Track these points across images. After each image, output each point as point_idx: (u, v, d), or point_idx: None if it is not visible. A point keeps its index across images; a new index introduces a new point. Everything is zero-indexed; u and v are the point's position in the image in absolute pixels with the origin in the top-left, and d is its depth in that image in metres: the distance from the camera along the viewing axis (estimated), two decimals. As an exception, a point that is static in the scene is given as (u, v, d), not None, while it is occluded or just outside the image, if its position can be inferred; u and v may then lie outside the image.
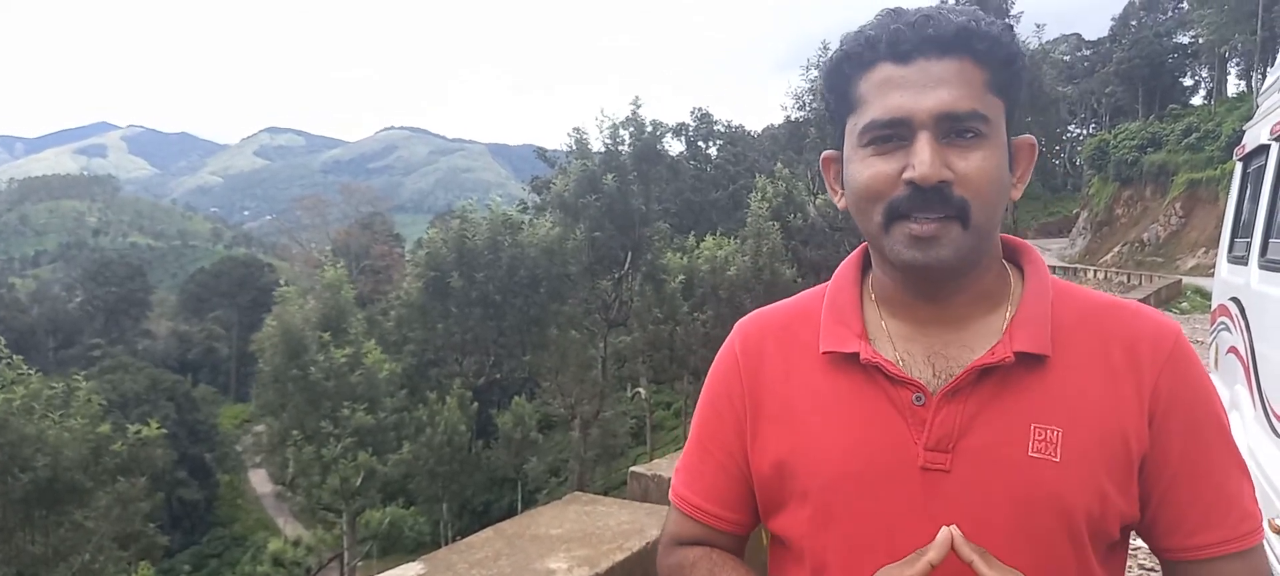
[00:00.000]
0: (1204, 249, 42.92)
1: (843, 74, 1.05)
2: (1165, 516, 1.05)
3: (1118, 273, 40.72)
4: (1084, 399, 1.02)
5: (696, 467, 1.22)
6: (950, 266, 1.01)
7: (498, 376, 31.67)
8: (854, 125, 1.04)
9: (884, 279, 1.11)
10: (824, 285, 1.21)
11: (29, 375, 18.20)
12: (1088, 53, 78.43)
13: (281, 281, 36.46)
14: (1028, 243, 1.16)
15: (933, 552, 0.94)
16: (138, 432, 19.88)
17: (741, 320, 1.26)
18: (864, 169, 1.02)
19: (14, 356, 18.46)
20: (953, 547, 0.94)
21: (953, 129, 0.98)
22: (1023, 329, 1.04)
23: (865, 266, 1.18)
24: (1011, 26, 1.02)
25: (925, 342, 1.08)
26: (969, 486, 1.01)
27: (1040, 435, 1.01)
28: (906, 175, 0.98)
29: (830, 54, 1.08)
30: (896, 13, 1.02)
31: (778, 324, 1.20)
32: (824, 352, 1.11)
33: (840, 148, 1.09)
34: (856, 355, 1.08)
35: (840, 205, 1.12)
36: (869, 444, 1.05)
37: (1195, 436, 1.04)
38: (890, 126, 0.99)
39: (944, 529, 0.95)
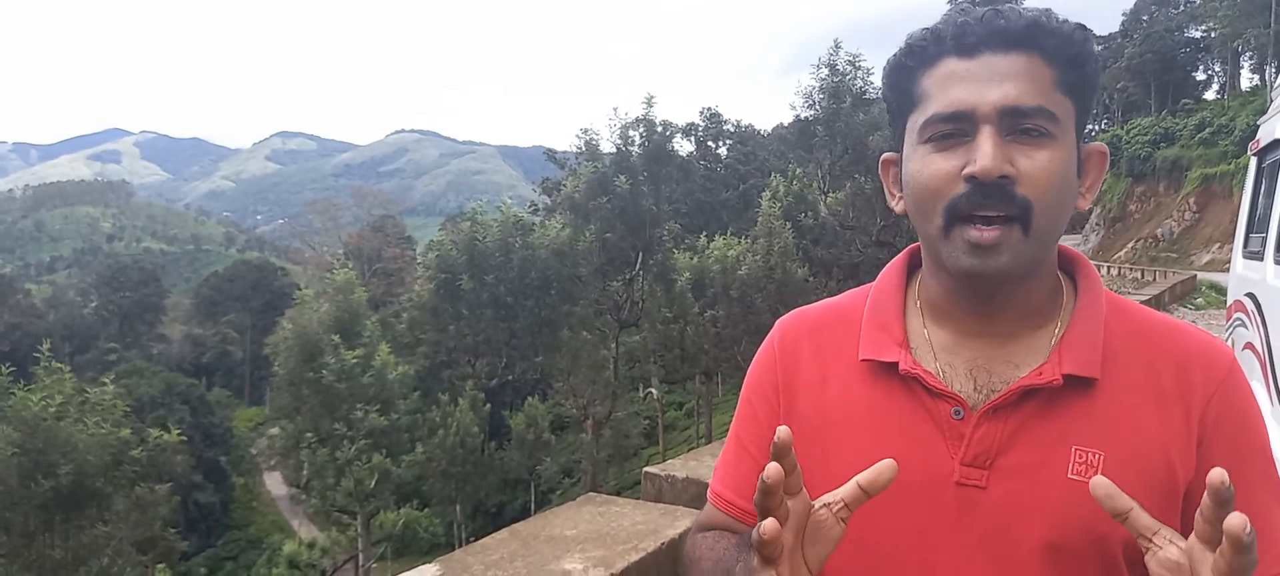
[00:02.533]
0: (1219, 244, 42.70)
1: (906, 69, 1.02)
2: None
3: (1132, 268, 40.48)
4: (1130, 423, 0.99)
5: (732, 463, 1.19)
6: (1009, 275, 0.97)
7: (510, 378, 31.72)
8: (915, 122, 1.00)
9: (932, 285, 1.08)
10: (867, 286, 1.17)
11: (65, 375, 18.30)
12: (1099, 48, 77.93)
13: (299, 285, 36.64)
14: (1083, 255, 1.12)
15: (866, 476, 0.87)
16: (157, 438, 19.98)
17: (783, 318, 1.22)
18: (924, 166, 0.98)
19: (53, 360, 18.54)
20: (1097, 496, 0.83)
21: (1017, 126, 0.94)
22: (1072, 350, 1.00)
23: (910, 270, 1.15)
24: (1085, 26, 0.98)
25: (968, 354, 1.04)
26: (1004, 505, 0.97)
27: (1081, 457, 0.97)
28: (967, 170, 0.94)
29: (894, 51, 1.05)
30: (964, 8, 0.99)
31: (817, 325, 1.17)
32: (862, 360, 1.08)
33: (900, 150, 1.06)
34: (896, 365, 1.05)
35: (898, 209, 1.08)
36: (904, 456, 0.99)
37: (1237, 465, 0.94)
38: (952, 120, 0.96)
39: (888, 461, 0.87)
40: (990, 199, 0.94)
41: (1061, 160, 0.96)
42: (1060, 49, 0.96)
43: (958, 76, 0.96)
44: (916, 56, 1.01)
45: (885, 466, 0.87)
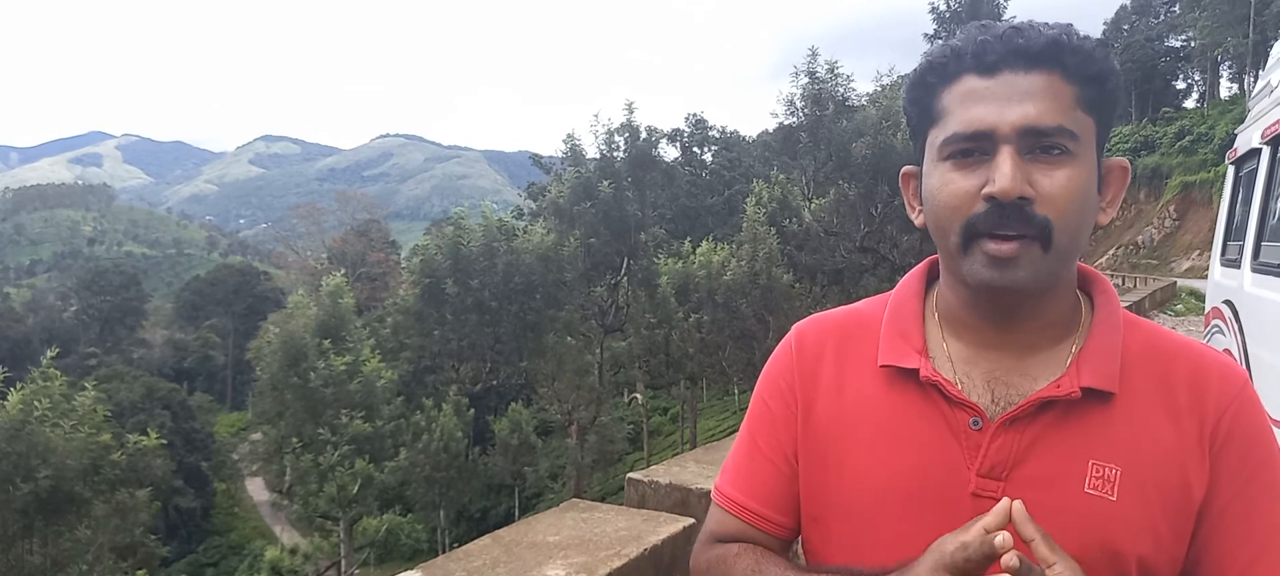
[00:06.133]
0: (1198, 251, 43.08)
1: (926, 85, 1.02)
2: (1205, 563, 1.00)
3: (1113, 275, 40.76)
4: (1146, 438, 0.99)
5: (745, 466, 1.18)
6: (1027, 290, 0.97)
7: (494, 383, 31.60)
8: (934, 138, 1.00)
9: (950, 297, 1.08)
10: (885, 295, 1.17)
11: (55, 381, 18.06)
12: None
13: (284, 290, 36.44)
14: (1101, 273, 1.12)
15: (990, 518, 0.88)
16: (137, 443, 19.78)
17: (800, 322, 1.21)
18: (943, 184, 0.99)
19: (52, 368, 18.30)
20: (1012, 521, 0.88)
21: (1037, 145, 0.94)
22: (1091, 363, 1.01)
23: (929, 281, 1.15)
24: (1106, 43, 0.98)
25: (986, 366, 1.04)
26: None
27: (1098, 472, 0.98)
28: (986, 190, 0.94)
29: (914, 67, 1.05)
30: (985, 26, 0.99)
31: (836, 330, 1.17)
32: (882, 366, 1.08)
33: (920, 163, 1.06)
34: (916, 372, 1.05)
35: (918, 222, 1.08)
36: (920, 465, 1.03)
37: (1248, 484, 0.99)
38: (972, 139, 0.96)
39: (1004, 499, 0.89)
40: (1009, 219, 0.94)
41: (1081, 178, 0.96)
42: (1081, 67, 0.96)
43: (978, 95, 0.96)
44: (937, 73, 1.01)
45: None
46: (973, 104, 0.96)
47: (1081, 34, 0.97)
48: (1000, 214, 0.94)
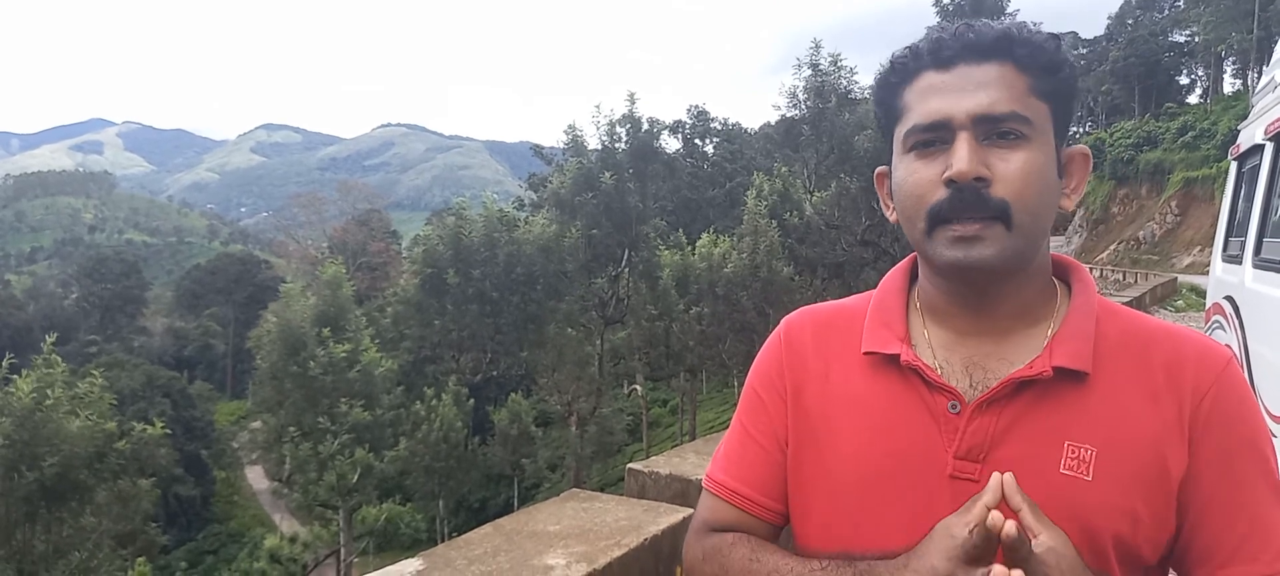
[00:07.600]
0: (1199, 247, 43.02)
1: (889, 85, 1.08)
2: (1196, 545, 1.02)
3: (1113, 270, 40.78)
4: (1123, 419, 1.01)
5: (737, 453, 1.21)
6: (993, 267, 1.00)
7: (494, 373, 31.67)
8: (899, 133, 1.06)
9: (929, 288, 1.12)
10: (871, 291, 1.22)
11: (56, 368, 18.03)
12: (1084, 51, 78.20)
13: (283, 279, 36.42)
14: (1078, 262, 1.16)
15: (987, 495, 0.92)
16: (143, 432, 19.83)
17: (789, 315, 1.26)
18: (908, 174, 1.04)
19: (54, 354, 18.26)
20: (1004, 495, 0.92)
21: (993, 131, 0.99)
22: (1064, 345, 1.03)
23: (913, 276, 1.19)
24: (1057, 36, 1.04)
25: (965, 352, 1.08)
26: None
27: (1073, 453, 1.00)
28: (945, 174, 0.99)
29: (878, 69, 1.11)
30: (941, 26, 1.05)
31: (823, 321, 1.21)
32: (865, 353, 1.12)
33: (891, 163, 1.11)
34: (897, 357, 1.08)
35: (892, 219, 1.12)
36: (900, 447, 1.06)
37: (1233, 463, 1.01)
38: (931, 129, 1.01)
39: (995, 474, 0.94)
40: (969, 204, 0.98)
41: (1038, 161, 1.00)
42: (1032, 57, 1.01)
43: (935, 88, 1.02)
44: (898, 72, 1.07)
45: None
46: (931, 96, 1.02)
47: (1032, 26, 1.03)
48: (960, 198, 0.99)
